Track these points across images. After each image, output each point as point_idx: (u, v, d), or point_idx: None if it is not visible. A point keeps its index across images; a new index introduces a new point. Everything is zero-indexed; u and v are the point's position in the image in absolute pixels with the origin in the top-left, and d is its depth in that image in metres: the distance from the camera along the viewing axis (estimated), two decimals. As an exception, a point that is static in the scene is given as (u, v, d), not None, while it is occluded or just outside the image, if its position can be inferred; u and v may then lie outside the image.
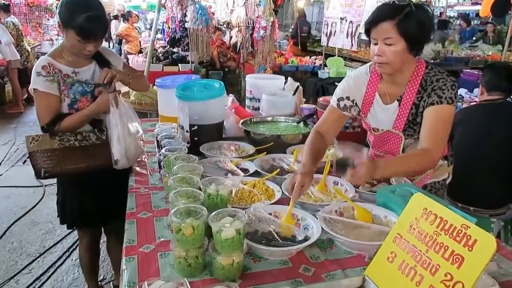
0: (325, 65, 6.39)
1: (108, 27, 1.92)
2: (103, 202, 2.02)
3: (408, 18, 1.47)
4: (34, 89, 1.83)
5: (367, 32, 1.58)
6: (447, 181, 1.94)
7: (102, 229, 2.29)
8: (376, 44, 1.54)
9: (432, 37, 1.66)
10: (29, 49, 7.57)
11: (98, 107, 1.87)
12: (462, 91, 4.46)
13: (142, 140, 2.32)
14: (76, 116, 1.86)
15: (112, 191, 1.95)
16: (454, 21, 14.86)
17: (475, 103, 3.70)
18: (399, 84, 1.65)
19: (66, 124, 1.84)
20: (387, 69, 1.59)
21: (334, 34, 5.71)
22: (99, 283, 2.49)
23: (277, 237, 1.25)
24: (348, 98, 1.79)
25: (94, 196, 2.00)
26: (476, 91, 4.14)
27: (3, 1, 7.88)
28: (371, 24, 1.53)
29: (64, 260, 2.86)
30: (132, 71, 2.15)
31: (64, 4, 1.78)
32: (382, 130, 1.76)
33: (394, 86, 1.67)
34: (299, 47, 9.57)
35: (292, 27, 10.62)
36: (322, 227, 1.27)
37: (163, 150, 1.67)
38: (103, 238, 2.36)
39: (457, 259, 0.93)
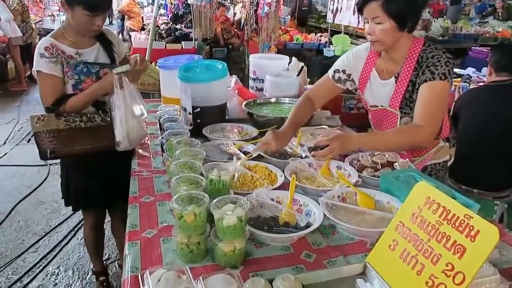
0: (331, 43, 6.28)
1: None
2: (107, 183, 2.03)
3: None
4: (37, 71, 1.82)
5: (360, 11, 1.64)
6: (449, 163, 1.94)
7: (107, 210, 2.32)
8: (368, 23, 1.62)
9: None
10: (34, 26, 7.51)
11: (101, 86, 1.86)
12: (470, 71, 4.38)
13: (145, 122, 2.31)
14: (79, 96, 1.86)
15: (116, 173, 1.95)
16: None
17: (482, 83, 3.65)
18: (396, 61, 1.70)
19: (70, 104, 1.84)
20: (379, 47, 1.66)
21: (340, 10, 5.60)
22: (104, 262, 2.53)
23: (279, 223, 1.26)
24: (344, 71, 1.87)
25: (98, 177, 2.02)
26: (484, 70, 4.07)
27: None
28: (361, 4, 1.61)
29: (70, 239, 2.91)
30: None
31: None
32: (381, 106, 1.78)
33: (392, 63, 1.72)
34: (296, 21, 9.42)
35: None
36: (324, 213, 1.27)
37: (165, 133, 1.66)
38: (108, 218, 2.38)
39: (459, 249, 0.92)
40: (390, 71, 1.72)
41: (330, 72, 1.92)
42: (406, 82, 1.66)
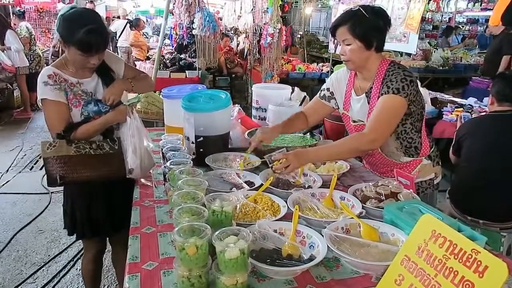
0: (332, 72, 6.37)
1: (108, 38, 1.93)
2: (112, 210, 2.02)
3: (360, 22, 1.73)
4: (42, 99, 1.83)
5: (333, 36, 1.85)
6: (435, 181, 2.03)
7: (107, 241, 2.29)
8: (340, 45, 1.83)
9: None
10: (41, 54, 7.68)
11: (115, 117, 1.90)
12: (471, 101, 4.40)
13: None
14: (91, 125, 1.89)
15: (120, 200, 1.96)
16: (463, 26, 14.77)
17: (484, 113, 3.66)
18: (367, 79, 1.88)
19: (82, 131, 1.86)
20: (351, 65, 1.85)
21: (342, 41, 5.69)
22: (103, 294, 2.47)
23: (282, 256, 1.23)
24: (328, 89, 2.10)
25: (103, 205, 2.00)
26: (486, 100, 4.09)
27: (18, 9, 8.07)
28: (333, 29, 1.82)
29: (69, 270, 2.85)
30: (134, 72, 2.17)
31: (61, 21, 1.79)
32: (358, 120, 1.94)
33: (364, 81, 1.90)
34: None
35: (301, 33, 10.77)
36: (328, 246, 1.24)
37: (168, 164, 1.66)
38: (108, 248, 2.34)
39: (467, 286, 0.90)
40: (363, 88, 1.91)
41: (320, 91, 2.14)
42: (376, 98, 1.81)
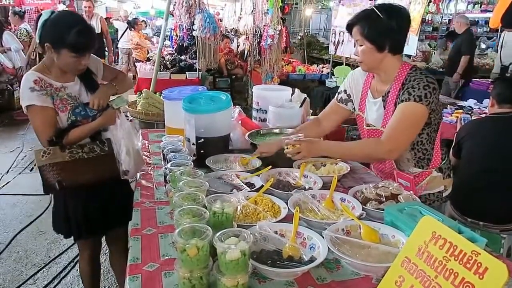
0: (333, 74, 6.38)
1: (96, 37, 1.92)
2: (105, 209, 2.03)
3: (370, 23, 1.67)
4: (29, 105, 1.79)
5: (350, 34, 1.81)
6: (444, 194, 1.94)
7: (105, 241, 2.29)
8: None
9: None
10: None
11: (105, 121, 1.92)
12: (471, 102, 4.41)
13: (148, 152, 2.33)
14: (81, 129, 1.89)
15: (113, 198, 2.00)
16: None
17: (484, 114, 3.67)
18: (385, 82, 1.80)
19: (74, 136, 1.86)
20: (364, 67, 1.80)
21: (342, 43, 5.71)
22: (104, 295, 2.47)
23: (283, 257, 1.23)
24: (345, 91, 2.01)
25: (97, 205, 2.01)
26: (486, 101, 4.11)
27: (19, 9, 8.07)
28: (348, 29, 1.78)
29: (69, 271, 2.85)
30: (113, 72, 2.18)
31: (48, 26, 1.77)
32: (373, 126, 1.87)
33: (382, 84, 1.82)
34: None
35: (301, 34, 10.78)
36: (328, 247, 1.25)
37: (168, 165, 1.66)
38: (104, 251, 2.34)
39: (467, 287, 0.90)
40: (380, 91, 1.83)
41: (337, 94, 2.07)
42: (393, 103, 1.74)
